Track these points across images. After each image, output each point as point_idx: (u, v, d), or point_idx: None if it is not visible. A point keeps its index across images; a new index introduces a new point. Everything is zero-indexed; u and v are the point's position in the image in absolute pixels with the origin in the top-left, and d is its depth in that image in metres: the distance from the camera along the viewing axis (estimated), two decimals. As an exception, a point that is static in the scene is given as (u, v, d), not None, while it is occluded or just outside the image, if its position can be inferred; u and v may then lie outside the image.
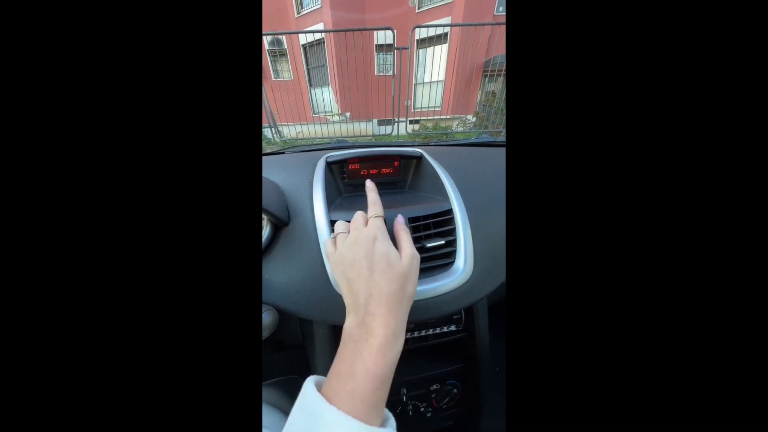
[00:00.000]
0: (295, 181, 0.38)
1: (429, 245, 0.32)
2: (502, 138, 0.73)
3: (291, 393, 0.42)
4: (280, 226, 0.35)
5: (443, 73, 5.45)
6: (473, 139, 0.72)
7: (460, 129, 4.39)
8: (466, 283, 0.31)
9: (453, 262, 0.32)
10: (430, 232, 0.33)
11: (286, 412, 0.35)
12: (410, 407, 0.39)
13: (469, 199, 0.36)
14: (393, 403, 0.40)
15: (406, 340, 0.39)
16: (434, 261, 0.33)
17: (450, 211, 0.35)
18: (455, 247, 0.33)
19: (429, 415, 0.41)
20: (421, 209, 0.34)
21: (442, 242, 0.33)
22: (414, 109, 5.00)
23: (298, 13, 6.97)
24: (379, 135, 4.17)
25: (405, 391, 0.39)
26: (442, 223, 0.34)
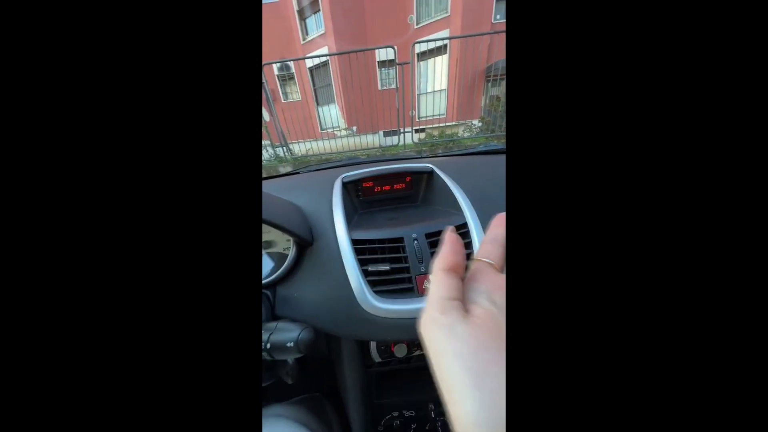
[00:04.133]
0: (315, 202, 0.41)
1: None
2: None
3: (314, 410, 0.42)
4: (304, 246, 0.37)
5: (446, 83, 5.55)
6: (481, 148, 0.73)
7: (466, 135, 4.40)
8: None
9: None
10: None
11: (311, 429, 0.36)
12: (439, 424, 0.39)
13: (483, 211, 0.37)
14: (421, 419, 0.40)
15: None
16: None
17: (465, 225, 0.36)
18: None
19: None
20: (436, 224, 0.35)
21: None
22: (419, 119, 5.10)
23: (304, 40, 7.45)
24: (386, 147, 4.26)
25: (433, 407, 0.38)
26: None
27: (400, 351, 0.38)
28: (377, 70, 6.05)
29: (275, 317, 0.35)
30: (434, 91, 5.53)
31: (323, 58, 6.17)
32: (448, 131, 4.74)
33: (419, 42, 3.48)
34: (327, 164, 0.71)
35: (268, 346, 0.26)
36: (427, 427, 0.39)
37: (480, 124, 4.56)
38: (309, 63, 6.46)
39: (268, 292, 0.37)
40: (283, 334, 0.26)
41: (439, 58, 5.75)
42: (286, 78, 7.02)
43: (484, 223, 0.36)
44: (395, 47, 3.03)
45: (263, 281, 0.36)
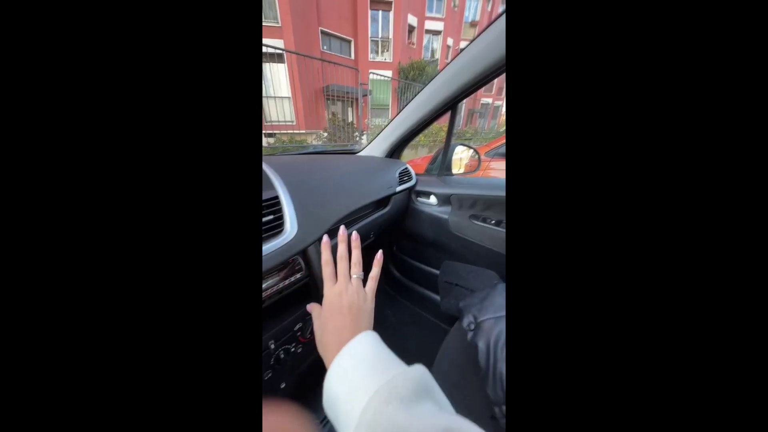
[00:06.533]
0: None
1: (265, 220, 0.46)
2: (350, 147, 0.92)
3: None
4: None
5: (286, 90, 5.57)
6: (320, 148, 0.90)
7: (316, 143, 4.70)
8: (292, 239, 0.48)
9: (282, 230, 0.48)
10: (265, 211, 0.47)
11: None
12: (281, 353, 0.50)
13: (296, 189, 0.53)
14: (265, 357, 0.49)
15: (264, 299, 0.50)
16: (270, 231, 0.47)
17: (277, 197, 0.50)
18: (283, 219, 0.49)
19: (300, 350, 0.54)
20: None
21: (272, 217, 0.48)
22: (267, 122, 4.68)
23: None
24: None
25: (273, 342, 0.49)
26: (272, 205, 0.49)
27: None
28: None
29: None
30: (283, 97, 5.37)
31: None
32: (298, 138, 4.83)
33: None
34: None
35: None
36: (271, 362, 0.47)
37: (326, 134, 5.07)
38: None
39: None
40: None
41: (276, 65, 5.64)
42: None
43: (293, 195, 0.52)
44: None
45: None
